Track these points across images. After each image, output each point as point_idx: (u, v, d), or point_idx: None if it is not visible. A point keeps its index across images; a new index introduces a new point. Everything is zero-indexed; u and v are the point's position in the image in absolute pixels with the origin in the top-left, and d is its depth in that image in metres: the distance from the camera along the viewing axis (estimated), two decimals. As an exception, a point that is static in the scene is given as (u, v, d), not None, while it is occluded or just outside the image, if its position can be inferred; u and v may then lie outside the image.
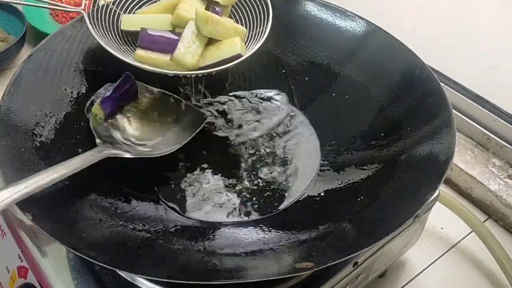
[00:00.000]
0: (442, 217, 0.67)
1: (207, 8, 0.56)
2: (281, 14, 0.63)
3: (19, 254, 0.53)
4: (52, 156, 0.51)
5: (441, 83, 0.54)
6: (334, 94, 0.61)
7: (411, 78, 0.56)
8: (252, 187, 0.54)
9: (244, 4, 0.58)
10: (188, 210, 0.52)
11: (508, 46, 0.76)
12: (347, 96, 0.60)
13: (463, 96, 0.76)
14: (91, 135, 0.53)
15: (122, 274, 0.48)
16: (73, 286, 0.49)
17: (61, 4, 0.58)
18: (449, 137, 0.49)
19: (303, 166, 0.56)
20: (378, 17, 0.62)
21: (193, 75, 0.53)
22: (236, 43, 0.53)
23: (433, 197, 0.48)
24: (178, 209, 0.52)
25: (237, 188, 0.54)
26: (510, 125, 0.72)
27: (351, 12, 0.62)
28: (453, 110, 0.51)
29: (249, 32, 0.57)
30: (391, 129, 0.55)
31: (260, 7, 0.57)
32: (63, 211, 0.46)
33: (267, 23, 0.55)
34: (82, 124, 0.55)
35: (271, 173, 0.56)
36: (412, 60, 0.57)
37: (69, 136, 0.54)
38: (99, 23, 0.55)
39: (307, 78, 0.63)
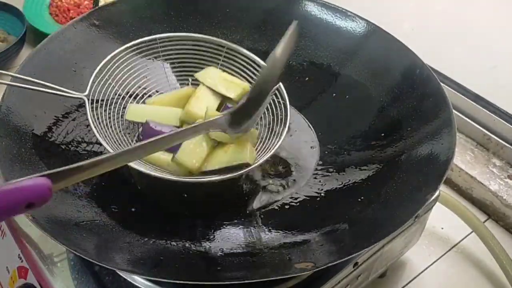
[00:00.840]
0: (442, 217, 0.67)
1: (220, 106, 0.54)
2: (281, 14, 0.63)
3: (19, 254, 0.53)
4: (52, 156, 0.51)
5: (441, 83, 0.54)
6: (334, 94, 0.61)
7: (411, 78, 0.56)
8: (252, 187, 0.54)
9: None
10: (188, 210, 0.52)
11: (508, 46, 0.76)
12: (347, 96, 0.60)
13: (463, 96, 0.76)
14: (90, 135, 0.53)
15: (122, 274, 0.48)
16: (73, 286, 0.48)
17: (62, 89, 0.50)
18: (449, 137, 0.49)
19: (303, 166, 0.56)
20: (378, 17, 0.62)
21: (193, 183, 0.48)
22: (245, 150, 0.49)
23: (433, 197, 0.48)
24: (177, 209, 0.52)
25: (237, 188, 0.54)
26: (510, 125, 0.72)
27: (351, 12, 0.62)
28: (453, 110, 0.51)
29: (263, 134, 0.53)
30: (391, 129, 0.55)
31: (278, 109, 0.53)
32: (63, 211, 0.46)
33: (283, 128, 0.51)
34: (82, 124, 0.55)
35: (271, 173, 0.56)
36: (412, 60, 0.57)
37: (69, 136, 0.53)
38: (100, 109, 0.51)
39: (307, 78, 0.63)
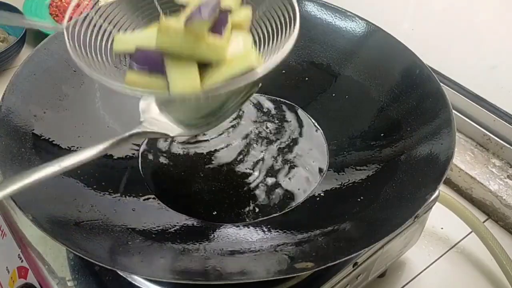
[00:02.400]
0: (442, 217, 0.67)
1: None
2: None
3: (19, 254, 0.53)
4: (51, 157, 0.51)
5: (441, 83, 0.54)
6: (334, 94, 0.61)
7: (411, 78, 0.56)
8: (252, 187, 0.54)
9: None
10: (187, 210, 0.52)
11: (508, 46, 0.76)
12: (347, 96, 0.60)
13: (463, 96, 0.76)
14: (91, 135, 0.53)
15: (122, 274, 0.48)
16: (73, 286, 0.48)
17: (40, 24, 0.50)
18: (449, 137, 0.49)
19: (305, 166, 0.56)
20: (378, 17, 0.62)
21: (200, 98, 0.45)
22: (250, 56, 0.44)
23: (433, 197, 0.48)
24: (177, 209, 0.52)
25: (237, 189, 0.54)
26: (510, 125, 0.72)
27: (351, 12, 0.62)
28: (453, 110, 0.51)
29: (270, 41, 0.48)
30: (391, 129, 0.55)
31: (283, 9, 0.47)
32: (63, 211, 0.46)
33: (292, 29, 0.45)
34: (82, 124, 0.55)
35: (271, 173, 0.56)
36: (412, 60, 0.57)
37: (68, 136, 0.53)
38: (80, 41, 0.47)
39: (306, 79, 0.63)
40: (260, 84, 0.46)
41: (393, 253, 0.57)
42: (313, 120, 0.60)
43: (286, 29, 0.46)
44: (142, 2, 0.52)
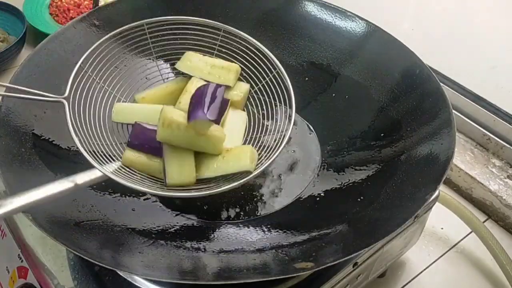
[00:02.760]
0: (442, 217, 0.67)
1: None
2: (281, 14, 0.63)
3: (19, 254, 0.53)
4: (51, 157, 0.51)
5: (441, 83, 0.54)
6: (334, 94, 0.61)
7: (411, 78, 0.56)
8: (253, 187, 0.54)
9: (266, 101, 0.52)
10: (187, 210, 0.52)
11: (508, 46, 0.76)
12: (347, 96, 0.60)
13: (463, 96, 0.76)
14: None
15: (122, 274, 0.48)
16: (73, 286, 0.48)
17: (40, 92, 0.46)
18: (449, 137, 0.49)
19: (303, 166, 0.56)
20: (378, 17, 0.62)
21: (193, 195, 0.44)
22: (245, 156, 0.45)
23: (433, 197, 0.48)
24: (177, 209, 0.52)
25: (237, 189, 0.54)
26: (510, 125, 0.72)
27: (351, 12, 0.62)
28: (453, 110, 0.51)
29: (265, 134, 0.50)
30: (391, 129, 0.55)
31: (284, 104, 0.49)
32: (63, 211, 0.46)
33: (286, 132, 0.47)
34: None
35: (271, 173, 0.56)
36: (412, 60, 0.57)
37: (68, 136, 0.53)
38: (84, 110, 0.47)
39: (307, 79, 0.63)
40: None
41: (393, 253, 0.57)
42: (306, 121, 0.60)
43: (281, 112, 0.50)
44: (142, 66, 0.54)
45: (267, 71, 0.52)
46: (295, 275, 0.47)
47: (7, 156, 0.47)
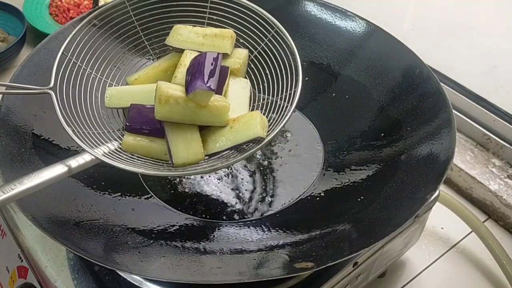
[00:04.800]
0: (442, 217, 0.67)
1: None
2: (281, 14, 0.63)
3: (19, 254, 0.53)
4: (51, 157, 0.51)
5: (441, 83, 0.54)
6: (334, 94, 0.61)
7: (411, 78, 0.56)
8: (253, 187, 0.54)
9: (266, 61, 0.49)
10: (187, 210, 0.52)
11: (508, 46, 0.76)
12: (347, 96, 0.60)
13: (463, 96, 0.76)
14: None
15: (122, 274, 0.48)
16: (73, 286, 0.48)
17: (25, 86, 0.44)
18: (449, 137, 0.49)
19: (305, 166, 0.56)
20: (378, 17, 0.62)
21: (205, 171, 0.42)
22: (254, 122, 0.42)
23: (433, 197, 0.48)
24: (177, 209, 0.52)
25: (237, 188, 0.54)
26: (510, 125, 0.72)
27: (351, 12, 0.62)
28: (453, 110, 0.51)
29: (272, 96, 0.47)
30: (391, 129, 0.55)
31: (287, 61, 0.47)
32: (63, 211, 0.46)
33: (295, 88, 0.44)
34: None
35: (271, 173, 0.56)
36: (412, 60, 0.57)
37: (68, 136, 0.53)
38: (71, 99, 0.44)
39: (307, 78, 0.63)
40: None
41: (393, 253, 0.57)
42: (311, 121, 0.60)
43: (286, 71, 0.46)
44: (130, 48, 0.51)
45: (265, 32, 0.48)
46: (295, 275, 0.47)
47: (7, 156, 0.47)
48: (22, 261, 0.53)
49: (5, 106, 0.50)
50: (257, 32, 0.49)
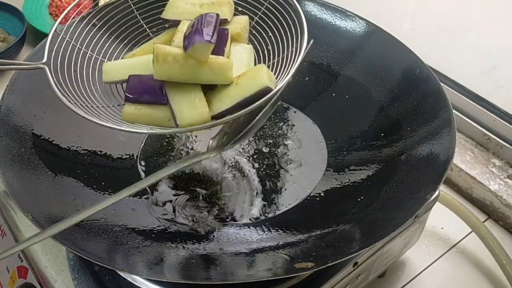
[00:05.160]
0: (442, 217, 0.67)
1: None
2: (280, 14, 0.63)
3: (19, 254, 0.53)
4: (51, 157, 0.51)
5: (441, 83, 0.54)
6: (334, 94, 0.61)
7: (411, 78, 0.56)
8: (252, 187, 0.54)
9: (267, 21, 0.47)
10: (187, 210, 0.52)
11: (508, 46, 0.76)
12: (347, 96, 0.60)
13: (463, 96, 0.76)
14: (90, 134, 0.53)
15: (122, 274, 0.48)
16: (73, 286, 0.48)
17: (18, 62, 0.44)
18: (449, 137, 0.49)
19: (308, 166, 0.56)
20: (378, 17, 0.62)
21: (215, 123, 0.40)
22: (260, 74, 0.40)
23: (433, 197, 0.48)
24: (177, 209, 0.52)
25: (238, 188, 0.54)
26: (510, 125, 0.72)
27: (351, 12, 0.62)
28: (453, 110, 0.51)
29: (277, 56, 0.46)
30: (391, 129, 0.55)
31: (290, 18, 0.45)
32: (63, 211, 0.46)
33: (301, 42, 0.42)
34: (82, 123, 0.55)
35: (271, 173, 0.56)
36: (412, 60, 0.57)
37: (69, 135, 0.53)
38: (67, 77, 0.43)
39: (307, 78, 0.63)
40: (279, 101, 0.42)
41: (393, 253, 0.57)
42: (311, 120, 0.60)
43: (290, 30, 0.44)
44: (125, 26, 0.49)
45: None
46: (295, 275, 0.47)
47: (7, 156, 0.47)
48: (22, 261, 0.53)
49: (5, 106, 0.50)
50: None
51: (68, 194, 0.48)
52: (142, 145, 0.57)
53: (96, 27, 0.47)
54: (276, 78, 0.43)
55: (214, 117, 0.41)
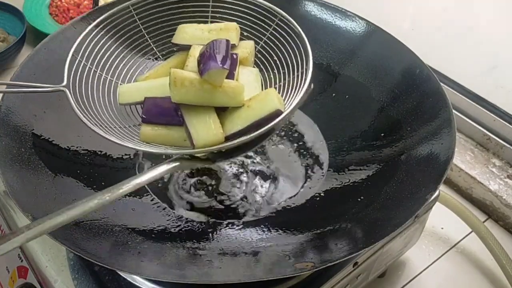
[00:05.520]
0: (442, 217, 0.67)
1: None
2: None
3: (19, 254, 0.53)
4: (51, 156, 0.51)
5: (441, 83, 0.54)
6: (334, 94, 0.61)
7: (411, 78, 0.56)
8: (252, 187, 0.54)
9: (271, 45, 0.49)
10: (187, 210, 0.52)
11: (508, 46, 0.76)
12: (347, 96, 0.60)
13: (463, 96, 0.76)
14: (90, 134, 0.53)
15: (122, 274, 0.48)
16: (73, 286, 0.48)
17: (38, 84, 0.45)
18: (449, 137, 0.49)
19: (305, 167, 0.56)
20: (378, 17, 0.62)
21: (229, 145, 0.41)
22: (271, 97, 0.42)
23: (433, 197, 0.48)
24: (177, 209, 0.52)
25: (238, 188, 0.54)
26: (510, 125, 0.72)
27: (351, 12, 0.62)
28: (453, 110, 0.51)
29: (284, 79, 0.47)
30: (391, 129, 0.55)
31: (294, 44, 0.46)
32: (63, 211, 0.46)
33: (307, 66, 0.44)
34: (82, 123, 0.55)
35: (271, 173, 0.56)
36: (412, 60, 0.57)
37: (69, 135, 0.53)
38: (85, 99, 0.45)
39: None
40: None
41: (393, 253, 0.57)
42: (312, 121, 0.60)
43: (295, 55, 0.46)
44: (137, 50, 0.51)
45: (269, 22, 0.49)
46: (295, 275, 0.47)
47: (7, 156, 0.47)
48: (22, 261, 0.53)
49: (5, 106, 0.50)
50: (261, 23, 0.50)
51: (68, 194, 0.48)
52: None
53: (104, 38, 0.49)
54: (284, 100, 0.44)
55: (227, 138, 0.43)
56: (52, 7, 0.96)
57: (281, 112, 0.41)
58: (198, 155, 0.43)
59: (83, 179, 0.51)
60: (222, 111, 0.44)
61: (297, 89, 0.44)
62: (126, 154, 0.56)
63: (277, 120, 0.41)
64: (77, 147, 0.53)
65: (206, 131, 0.42)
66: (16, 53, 0.88)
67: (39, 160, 0.49)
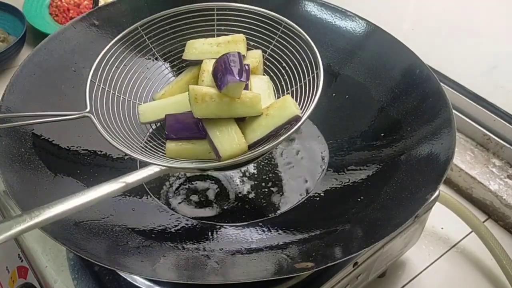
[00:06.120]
0: (442, 217, 0.67)
1: None
2: (281, 14, 0.63)
3: (19, 254, 0.53)
4: (51, 157, 0.51)
5: (441, 83, 0.54)
6: (334, 94, 0.61)
7: (411, 78, 0.56)
8: (253, 187, 0.54)
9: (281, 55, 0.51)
10: (187, 210, 0.52)
11: (508, 46, 0.76)
12: (347, 96, 0.60)
13: (463, 96, 0.76)
14: (90, 134, 0.53)
15: (122, 274, 0.48)
16: (73, 286, 0.48)
17: (64, 113, 0.47)
18: (449, 137, 0.49)
19: (308, 166, 0.56)
20: (378, 17, 0.62)
21: (248, 160, 0.43)
22: (288, 104, 0.44)
23: (433, 197, 0.48)
24: (177, 209, 0.52)
25: (238, 188, 0.54)
26: (510, 125, 0.72)
27: (351, 12, 0.62)
28: (453, 110, 0.51)
29: (296, 85, 0.49)
30: (391, 129, 0.55)
31: (302, 50, 0.48)
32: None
33: (317, 70, 0.45)
34: (82, 123, 0.55)
35: (271, 173, 0.56)
36: (412, 60, 0.57)
37: (68, 136, 0.53)
38: (109, 122, 0.47)
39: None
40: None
41: (393, 253, 0.57)
42: (311, 121, 0.60)
43: (304, 60, 0.48)
44: (149, 69, 0.54)
45: (274, 30, 0.51)
46: (295, 275, 0.47)
47: (7, 156, 0.47)
48: (22, 261, 0.53)
49: (5, 106, 0.50)
50: (267, 32, 0.51)
51: (68, 195, 0.48)
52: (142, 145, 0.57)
53: (118, 61, 0.51)
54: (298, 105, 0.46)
55: (249, 147, 0.44)
56: (52, 7, 0.96)
57: (300, 118, 0.43)
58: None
59: (83, 179, 0.51)
60: (241, 121, 0.46)
61: (310, 93, 0.46)
62: (126, 154, 0.56)
63: (298, 125, 0.43)
64: (77, 147, 0.53)
65: (230, 142, 0.44)
66: (16, 53, 0.88)
67: (39, 160, 0.49)
